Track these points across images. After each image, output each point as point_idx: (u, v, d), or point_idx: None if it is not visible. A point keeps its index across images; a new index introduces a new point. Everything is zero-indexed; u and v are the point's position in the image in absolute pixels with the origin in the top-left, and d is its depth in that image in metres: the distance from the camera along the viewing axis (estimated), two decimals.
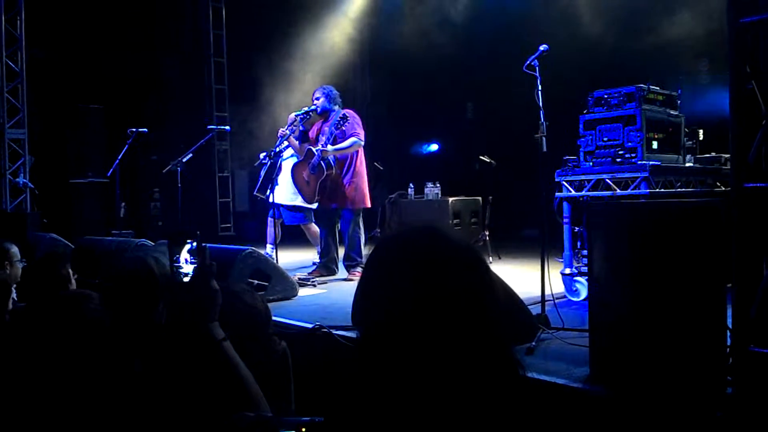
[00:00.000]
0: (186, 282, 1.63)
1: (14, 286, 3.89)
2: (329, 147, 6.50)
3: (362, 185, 6.78)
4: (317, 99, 6.80)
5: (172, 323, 1.81)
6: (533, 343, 3.56)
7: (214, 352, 1.59)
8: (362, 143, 6.66)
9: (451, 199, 8.27)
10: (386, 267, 1.22)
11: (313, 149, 6.62)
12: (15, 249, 4.00)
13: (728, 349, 2.79)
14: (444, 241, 1.22)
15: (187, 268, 1.67)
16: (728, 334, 2.83)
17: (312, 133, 6.94)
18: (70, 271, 3.12)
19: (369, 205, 6.93)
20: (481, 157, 8.60)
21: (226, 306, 1.82)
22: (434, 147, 10.70)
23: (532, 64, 4.40)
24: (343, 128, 6.53)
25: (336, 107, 6.81)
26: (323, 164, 6.54)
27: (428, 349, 1.14)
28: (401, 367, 1.13)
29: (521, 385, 1.20)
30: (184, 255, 1.72)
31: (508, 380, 1.17)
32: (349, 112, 6.72)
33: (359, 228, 6.81)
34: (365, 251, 6.90)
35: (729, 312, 2.81)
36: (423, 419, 1.11)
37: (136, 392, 1.88)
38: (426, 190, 8.58)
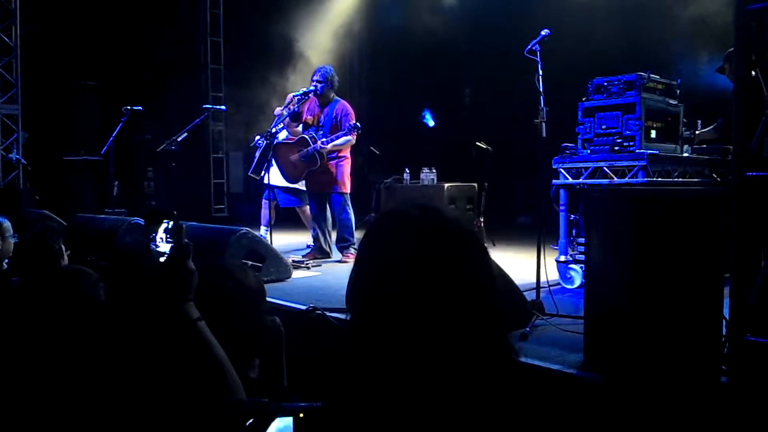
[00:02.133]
0: (162, 261, 1.61)
1: (6, 260, 3.87)
2: (329, 146, 6.56)
3: (347, 169, 6.83)
4: (318, 81, 6.76)
5: (148, 302, 1.80)
6: (527, 329, 3.55)
7: (189, 332, 1.58)
8: (354, 141, 6.73)
9: (446, 185, 8.23)
10: (380, 247, 1.19)
11: (308, 139, 6.63)
12: (8, 224, 3.98)
13: (724, 338, 2.79)
14: (440, 220, 1.20)
15: (164, 247, 1.64)
16: (724, 323, 2.84)
17: (305, 114, 6.93)
18: (63, 246, 3.09)
19: (349, 190, 6.94)
20: (478, 144, 8.58)
21: (214, 284, 1.80)
22: (430, 121, 10.60)
23: (534, 48, 4.37)
24: (341, 122, 6.57)
25: (333, 93, 6.82)
26: (317, 156, 6.62)
27: (423, 331, 1.11)
28: (395, 349, 1.11)
29: (515, 370, 1.18)
30: (161, 234, 1.69)
31: (502, 364, 1.15)
32: (348, 108, 6.72)
33: (349, 209, 6.83)
34: (358, 233, 6.92)
35: (725, 301, 2.81)
36: (417, 402, 1.10)
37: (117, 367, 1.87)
38: (422, 176, 8.54)
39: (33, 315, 2.37)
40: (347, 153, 6.87)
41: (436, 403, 1.09)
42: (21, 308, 2.51)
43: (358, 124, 6.51)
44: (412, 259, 1.13)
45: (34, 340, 2.27)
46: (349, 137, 6.60)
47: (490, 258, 1.23)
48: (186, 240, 1.57)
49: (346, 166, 6.84)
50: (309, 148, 6.65)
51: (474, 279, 1.15)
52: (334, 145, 6.62)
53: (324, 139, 6.60)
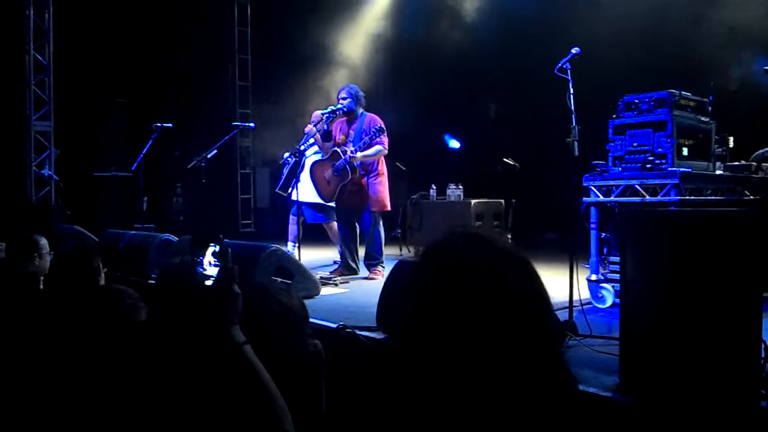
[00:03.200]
0: (208, 285, 1.62)
1: (42, 277, 3.93)
2: (358, 154, 6.54)
3: (384, 188, 6.80)
4: (344, 98, 6.78)
5: (193, 325, 1.81)
6: (561, 350, 3.52)
7: (235, 356, 1.59)
8: (386, 151, 6.69)
9: (473, 201, 8.22)
10: (437, 275, 1.19)
11: (340, 152, 6.65)
12: (44, 241, 4.04)
13: (763, 361, 2.74)
14: (496, 247, 1.20)
15: (211, 271, 1.66)
16: (763, 346, 2.79)
17: (335, 133, 6.95)
18: (101, 264, 3.13)
19: (389, 207, 6.93)
20: (505, 160, 8.56)
21: (260, 306, 1.81)
22: (455, 144, 10.62)
23: (564, 67, 4.35)
24: (372, 135, 6.56)
25: (361, 109, 6.83)
26: (348, 168, 6.59)
27: (484, 360, 1.11)
28: (456, 378, 1.11)
29: (575, 398, 1.18)
30: (208, 258, 1.71)
31: (562, 392, 1.15)
32: (375, 117, 6.73)
33: (380, 227, 6.83)
34: (386, 251, 6.92)
35: (765, 323, 2.77)
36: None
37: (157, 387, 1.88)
38: (448, 192, 8.53)
39: (72, 333, 2.40)
40: (382, 169, 6.82)
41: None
42: (59, 326, 2.54)
43: (382, 126, 6.50)
44: (471, 288, 1.13)
45: (72, 358, 2.30)
46: (379, 146, 6.57)
47: (541, 282, 1.23)
48: (231, 264, 1.58)
49: (381, 183, 6.78)
50: (340, 161, 6.65)
51: (532, 304, 1.16)
52: (365, 156, 6.57)
53: (353, 148, 6.60)
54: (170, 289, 1.82)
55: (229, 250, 1.61)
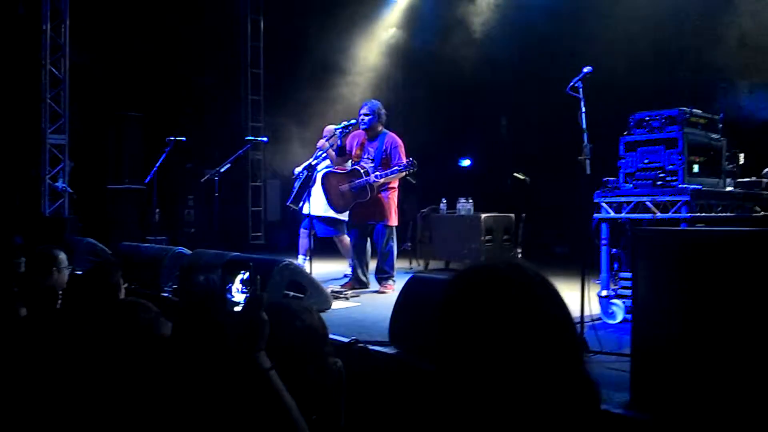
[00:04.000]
0: (237, 311, 1.67)
1: (60, 291, 3.98)
2: (381, 180, 6.56)
3: (394, 202, 6.84)
4: (366, 115, 6.76)
5: (220, 349, 1.85)
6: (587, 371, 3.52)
7: (260, 381, 1.64)
8: (404, 174, 6.69)
9: (483, 215, 8.22)
10: (472, 304, 1.23)
11: (362, 171, 6.67)
12: (63, 255, 4.08)
13: None
14: (527, 276, 1.25)
15: (239, 297, 1.70)
16: None
17: (350, 146, 6.96)
18: (121, 279, 3.18)
19: (396, 222, 6.91)
20: (515, 174, 8.59)
21: (283, 325, 1.85)
22: (467, 162, 10.70)
23: (576, 86, 4.38)
24: (391, 155, 6.61)
25: (381, 126, 6.83)
26: (368, 189, 6.62)
27: (520, 384, 1.15)
28: (492, 404, 1.14)
29: (600, 419, 1.22)
30: (237, 284, 1.75)
31: (590, 414, 1.19)
32: (398, 142, 6.76)
33: (393, 242, 6.83)
34: (396, 264, 6.94)
35: None
36: None
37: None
38: (458, 206, 8.56)
39: (92, 346, 2.45)
40: (395, 184, 6.83)
41: None
42: (80, 343, 2.59)
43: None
44: (508, 316, 1.18)
45: (92, 371, 2.34)
46: (400, 170, 6.60)
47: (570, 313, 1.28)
48: (260, 291, 1.62)
49: (393, 197, 6.80)
50: (361, 180, 6.64)
51: (563, 330, 1.20)
52: (387, 179, 6.61)
53: (378, 173, 6.59)
54: (196, 308, 1.86)
55: (259, 278, 1.66)
